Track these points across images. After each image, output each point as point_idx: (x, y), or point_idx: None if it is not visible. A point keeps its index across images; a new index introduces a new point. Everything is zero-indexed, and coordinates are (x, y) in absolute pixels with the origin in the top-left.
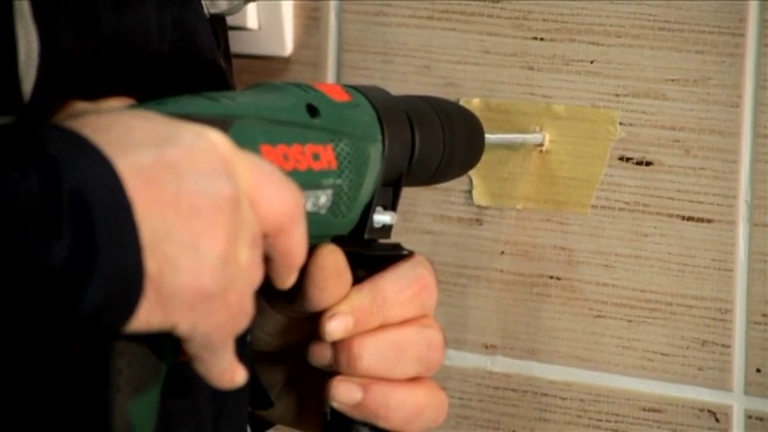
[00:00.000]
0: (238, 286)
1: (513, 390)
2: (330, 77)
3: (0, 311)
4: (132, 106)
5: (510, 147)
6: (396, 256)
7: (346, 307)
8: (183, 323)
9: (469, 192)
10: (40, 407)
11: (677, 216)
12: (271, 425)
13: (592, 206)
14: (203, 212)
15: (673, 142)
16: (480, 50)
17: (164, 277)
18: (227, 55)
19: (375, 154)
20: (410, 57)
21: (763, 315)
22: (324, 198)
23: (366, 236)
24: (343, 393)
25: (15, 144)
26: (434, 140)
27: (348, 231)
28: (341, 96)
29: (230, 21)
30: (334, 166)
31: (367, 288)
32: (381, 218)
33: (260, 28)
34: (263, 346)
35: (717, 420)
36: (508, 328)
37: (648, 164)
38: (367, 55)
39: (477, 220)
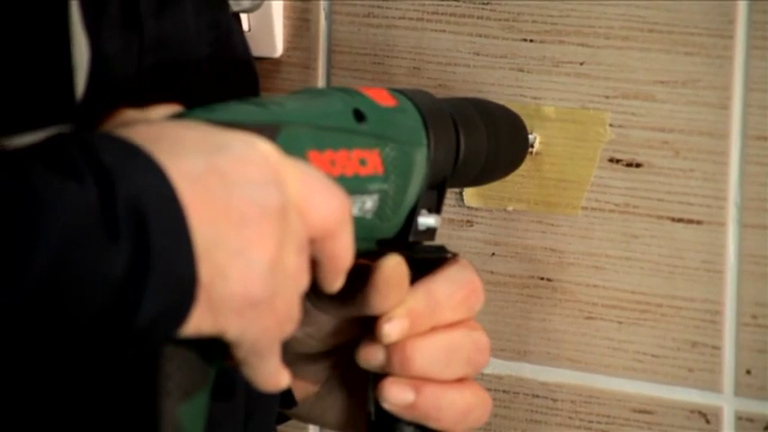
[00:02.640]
0: (285, 292)
1: (504, 391)
2: (320, 79)
3: (61, 320)
4: (180, 113)
5: None
6: (441, 258)
7: (403, 311)
8: (232, 329)
9: (460, 193)
10: (91, 410)
11: (667, 218)
12: (287, 418)
13: (582, 208)
14: (252, 221)
15: (662, 144)
16: (470, 52)
17: (214, 285)
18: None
19: (420, 158)
20: (400, 58)
21: (753, 317)
22: (370, 203)
23: (411, 238)
24: (396, 394)
25: (69, 153)
26: (479, 142)
27: (393, 234)
28: (387, 101)
29: None
30: (380, 171)
31: (421, 291)
32: (426, 221)
33: (250, 30)
34: (305, 347)
35: (707, 422)
36: (499, 329)
37: (638, 165)
38: (357, 56)
39: (468, 222)
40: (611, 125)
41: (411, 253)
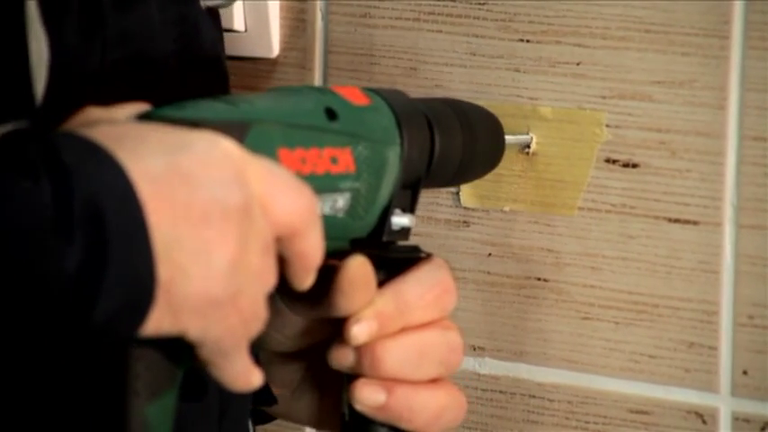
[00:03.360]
0: (250, 291)
1: (501, 392)
2: (317, 79)
3: (15, 316)
4: (149, 111)
5: None
6: (415, 258)
7: (371, 312)
8: (192, 329)
9: (457, 194)
10: (58, 410)
11: (663, 218)
12: (272, 418)
13: (579, 208)
14: (214, 221)
15: (659, 144)
16: (467, 52)
17: (174, 285)
18: (223, 47)
19: (393, 157)
20: (397, 59)
21: (750, 317)
22: (342, 201)
23: (385, 238)
24: (367, 396)
25: (28, 150)
26: (454, 143)
27: (366, 234)
28: (360, 100)
29: None
30: (352, 169)
31: (390, 292)
32: (400, 220)
33: (246, 30)
34: (280, 346)
35: (704, 422)
36: (496, 330)
37: (635, 166)
38: (354, 57)
39: (465, 222)
40: (607, 125)
41: (385, 253)
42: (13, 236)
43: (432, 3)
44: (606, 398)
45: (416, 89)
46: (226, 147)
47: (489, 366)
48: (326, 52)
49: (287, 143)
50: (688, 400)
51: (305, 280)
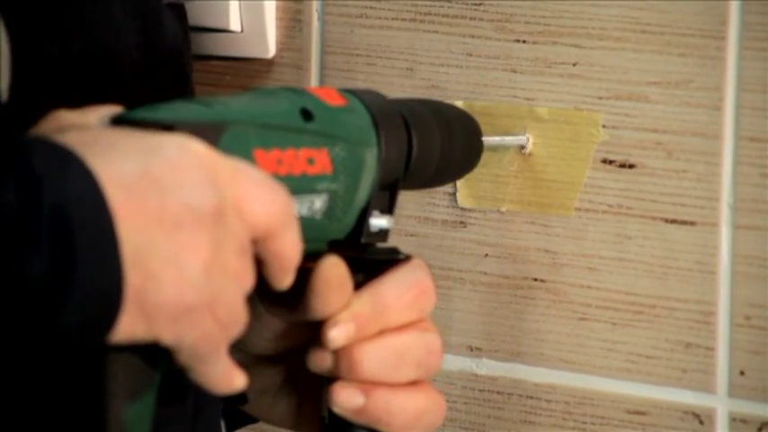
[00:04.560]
0: (227, 295)
1: (498, 392)
2: (313, 80)
3: None
4: (123, 114)
5: (495, 149)
6: (393, 260)
7: (347, 315)
8: (166, 335)
9: (453, 194)
10: (35, 412)
11: (660, 219)
12: (252, 420)
13: (575, 209)
14: (186, 226)
15: (655, 145)
16: (463, 53)
17: (146, 292)
18: (188, 42)
19: (371, 158)
20: (393, 59)
21: (747, 317)
22: (319, 202)
23: (363, 240)
24: (345, 399)
25: None
26: (432, 144)
27: (344, 235)
28: (336, 100)
29: (213, 23)
30: (329, 170)
31: (367, 295)
32: (378, 222)
33: (242, 30)
34: (260, 349)
35: (701, 423)
36: (493, 330)
37: (631, 166)
38: (350, 57)
39: (461, 223)
40: (603, 126)
41: (363, 254)
42: None
43: (428, 3)
44: (603, 398)
45: (413, 90)
46: (198, 150)
47: (486, 367)
48: (323, 53)
49: (263, 144)
50: (685, 401)
51: (283, 280)
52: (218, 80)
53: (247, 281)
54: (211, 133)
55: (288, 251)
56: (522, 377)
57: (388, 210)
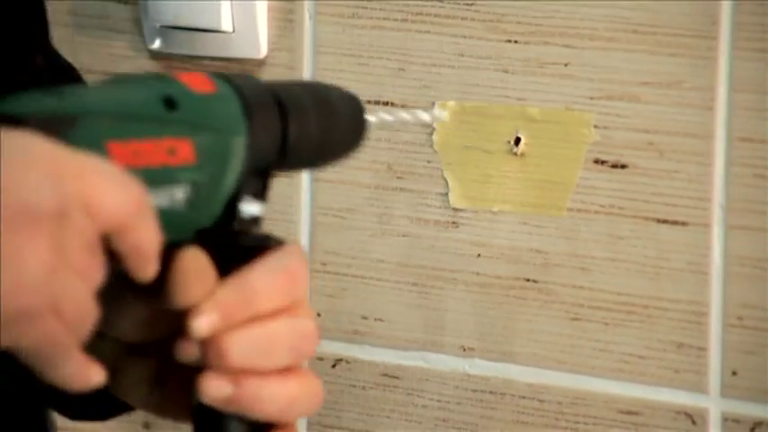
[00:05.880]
0: (72, 294)
1: (490, 392)
2: (306, 79)
3: None
4: None
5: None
6: (263, 246)
7: (212, 304)
8: (5, 340)
9: (446, 194)
10: None
11: (652, 219)
12: (130, 408)
13: (567, 209)
14: (23, 226)
15: (647, 145)
16: (455, 53)
17: None
18: None
19: (239, 147)
20: (385, 59)
21: (739, 318)
22: (181, 193)
23: (235, 227)
24: (214, 389)
25: None
26: (309, 128)
27: (212, 224)
28: (204, 87)
29: (205, 23)
30: (192, 160)
31: (233, 282)
32: (249, 208)
33: (234, 30)
34: (131, 337)
35: (693, 423)
36: (485, 330)
37: (623, 167)
38: (342, 57)
39: (454, 223)
40: (595, 126)
41: (234, 242)
42: None
43: (420, 3)
44: (596, 399)
45: (404, 89)
46: (41, 146)
47: (479, 367)
48: (314, 53)
49: (117, 135)
50: (678, 401)
51: (143, 272)
52: None
53: (96, 277)
54: (62, 126)
55: (143, 243)
56: (514, 377)
57: (261, 196)
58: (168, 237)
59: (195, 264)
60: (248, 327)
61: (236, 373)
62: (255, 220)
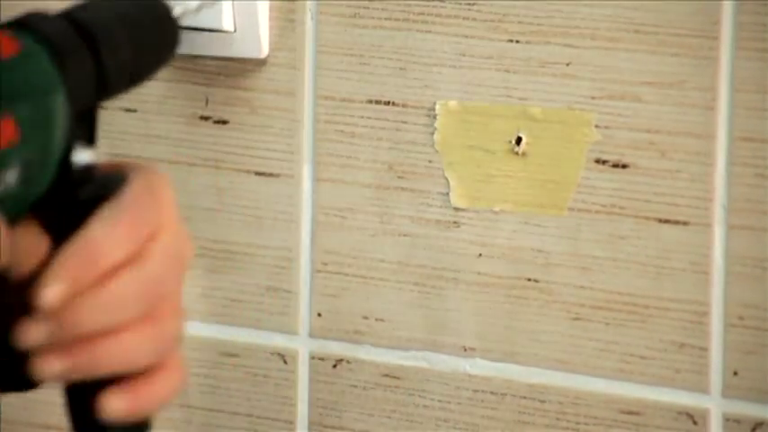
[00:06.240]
0: None
1: (492, 392)
2: (307, 80)
3: None
4: None
5: (488, 149)
6: (103, 195)
7: (54, 273)
8: None
9: (447, 194)
10: None
11: (653, 219)
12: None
13: (568, 209)
14: None
15: (649, 145)
16: (456, 53)
17: None
18: None
19: (59, 103)
20: (386, 59)
21: (740, 318)
22: (11, 176)
23: (74, 179)
24: (48, 368)
25: None
26: (122, 53)
27: (47, 189)
28: (8, 49)
29: (206, 23)
30: (16, 139)
31: (73, 247)
32: (80, 158)
33: (235, 30)
34: None
35: (695, 423)
36: (486, 330)
37: (624, 166)
38: (344, 57)
39: (455, 223)
40: (596, 126)
41: (74, 198)
42: None
43: (421, 3)
44: (597, 399)
45: (405, 89)
46: None
47: (480, 367)
48: (316, 52)
49: None
50: (679, 401)
51: None
52: (211, 80)
53: None
54: None
55: None
56: (515, 377)
57: (90, 138)
58: (8, 217)
59: (23, 242)
60: (96, 288)
61: (70, 344)
62: (90, 168)
